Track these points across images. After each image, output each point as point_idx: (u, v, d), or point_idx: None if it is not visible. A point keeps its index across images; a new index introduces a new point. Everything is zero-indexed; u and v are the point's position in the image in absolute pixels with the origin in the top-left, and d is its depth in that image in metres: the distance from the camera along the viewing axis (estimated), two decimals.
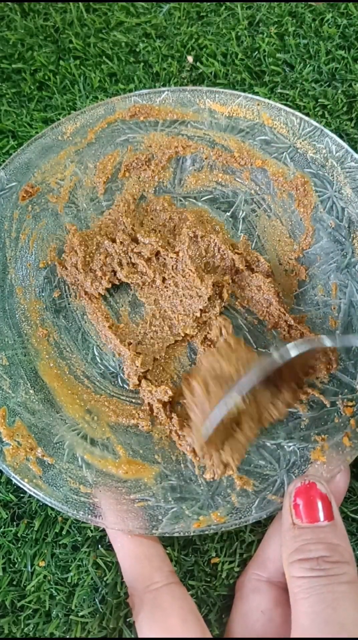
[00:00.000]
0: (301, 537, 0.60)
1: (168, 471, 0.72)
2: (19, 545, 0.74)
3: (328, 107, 0.97)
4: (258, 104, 0.87)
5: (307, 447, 0.71)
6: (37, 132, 0.86)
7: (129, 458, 0.73)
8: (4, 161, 0.86)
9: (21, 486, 0.69)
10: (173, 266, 0.83)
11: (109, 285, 0.83)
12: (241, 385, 0.69)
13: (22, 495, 0.76)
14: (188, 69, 1.03)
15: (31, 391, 0.76)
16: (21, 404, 0.74)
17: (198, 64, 1.02)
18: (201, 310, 0.80)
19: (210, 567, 0.73)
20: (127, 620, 0.69)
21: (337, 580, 0.56)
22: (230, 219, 0.88)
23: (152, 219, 0.88)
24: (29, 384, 0.76)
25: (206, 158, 0.90)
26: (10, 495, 0.76)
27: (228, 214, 0.88)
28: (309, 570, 0.57)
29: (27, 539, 0.74)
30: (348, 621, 0.55)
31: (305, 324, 0.80)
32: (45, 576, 0.72)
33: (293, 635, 0.57)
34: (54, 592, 0.71)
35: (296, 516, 0.61)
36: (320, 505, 0.61)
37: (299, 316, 0.81)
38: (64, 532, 0.74)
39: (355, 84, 0.98)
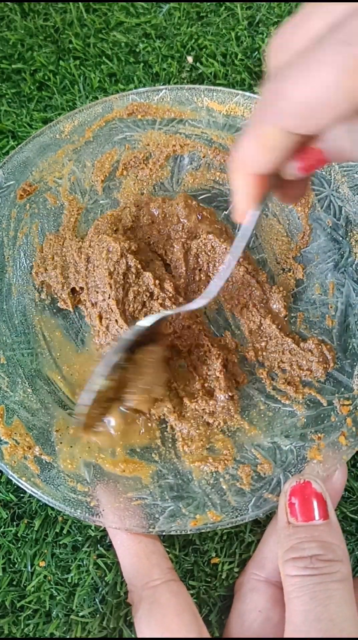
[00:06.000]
0: (296, 536, 0.60)
1: (165, 470, 0.72)
2: (19, 545, 0.74)
3: None
4: (256, 103, 0.87)
5: (304, 446, 0.71)
6: None
7: (126, 457, 0.73)
8: None
9: (19, 485, 0.69)
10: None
11: None
12: (101, 366, 0.70)
13: (22, 495, 0.76)
14: (188, 69, 1.03)
15: (29, 390, 0.76)
16: (19, 402, 0.74)
17: (197, 64, 1.03)
18: None
19: (210, 567, 0.73)
20: (128, 619, 0.69)
21: (330, 579, 0.56)
22: (228, 217, 0.88)
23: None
24: (27, 383, 0.76)
25: (203, 156, 0.90)
26: (10, 495, 0.76)
27: (226, 212, 0.88)
28: (302, 568, 0.57)
29: (27, 539, 0.74)
30: (339, 619, 0.55)
31: (302, 323, 0.80)
32: (45, 576, 0.72)
33: (286, 634, 0.57)
34: (54, 592, 0.71)
35: (292, 515, 0.61)
36: (315, 504, 0.61)
37: None
38: (64, 532, 0.74)
39: None
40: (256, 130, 0.49)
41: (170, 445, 0.74)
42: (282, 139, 0.48)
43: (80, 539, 0.74)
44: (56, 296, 0.82)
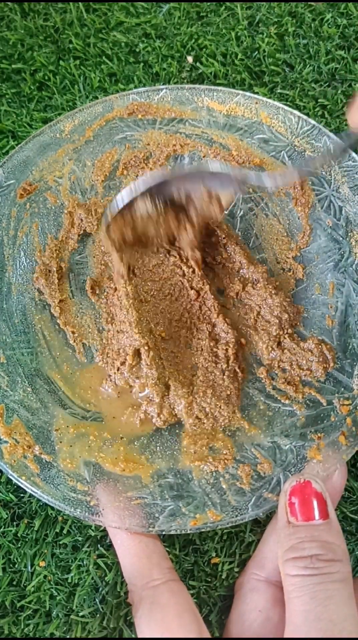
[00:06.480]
0: (296, 535, 0.59)
1: (164, 469, 0.72)
2: (19, 545, 0.74)
3: (328, 107, 0.97)
4: (257, 102, 0.87)
5: (303, 446, 0.71)
6: None
7: (126, 456, 0.73)
8: None
9: (19, 484, 0.69)
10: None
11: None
12: (147, 177, 0.72)
13: (22, 495, 0.76)
14: (188, 69, 1.03)
15: (29, 389, 0.76)
16: (19, 402, 0.74)
17: (197, 64, 1.03)
18: None
19: (210, 567, 0.73)
20: (128, 619, 0.69)
21: (330, 579, 0.56)
22: (228, 217, 0.88)
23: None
24: (27, 382, 0.76)
25: (204, 156, 0.90)
26: (10, 495, 0.76)
27: (226, 212, 0.88)
28: (303, 568, 0.57)
29: (27, 539, 0.74)
30: (339, 618, 0.54)
31: (301, 322, 0.81)
32: (45, 576, 0.72)
33: (286, 634, 0.57)
34: (54, 592, 0.71)
35: (292, 514, 0.61)
36: (315, 503, 0.61)
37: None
38: (64, 532, 0.74)
39: (355, 84, 0.98)
40: None
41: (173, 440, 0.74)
42: None
43: (80, 539, 0.74)
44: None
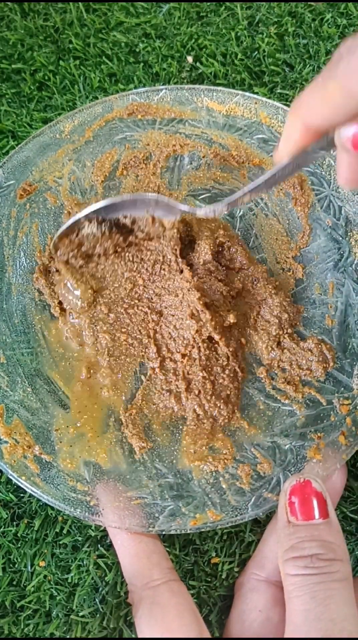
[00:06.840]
0: (296, 535, 0.59)
1: (164, 469, 0.72)
2: (19, 545, 0.74)
3: None
4: (256, 103, 0.87)
5: (303, 445, 0.71)
6: None
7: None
8: None
9: (19, 484, 0.69)
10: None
11: None
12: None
13: (22, 495, 0.76)
14: (188, 69, 1.03)
15: (29, 389, 0.76)
16: (19, 402, 0.74)
17: (197, 64, 1.03)
18: None
19: (210, 567, 0.73)
20: (128, 619, 0.69)
21: (330, 578, 0.56)
22: (228, 217, 0.88)
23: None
24: (26, 382, 0.76)
25: (203, 156, 0.90)
26: (10, 495, 0.76)
27: (226, 212, 0.88)
28: (303, 567, 0.57)
29: (27, 539, 0.74)
30: (339, 618, 0.54)
31: (300, 321, 0.81)
32: (45, 576, 0.72)
33: (286, 634, 0.57)
34: (54, 592, 0.71)
35: (292, 514, 0.61)
36: (315, 503, 0.61)
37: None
38: (64, 532, 0.74)
39: None
40: (323, 84, 0.50)
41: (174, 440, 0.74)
42: (345, 100, 0.48)
43: (80, 539, 0.73)
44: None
